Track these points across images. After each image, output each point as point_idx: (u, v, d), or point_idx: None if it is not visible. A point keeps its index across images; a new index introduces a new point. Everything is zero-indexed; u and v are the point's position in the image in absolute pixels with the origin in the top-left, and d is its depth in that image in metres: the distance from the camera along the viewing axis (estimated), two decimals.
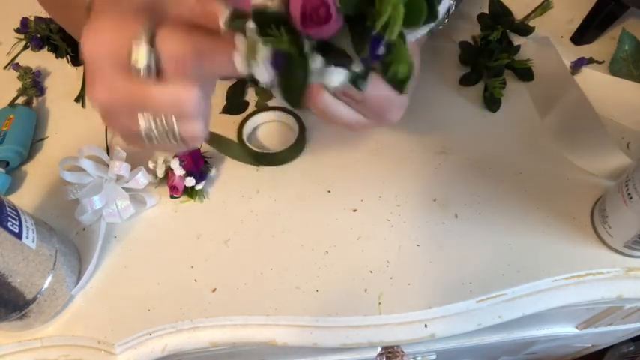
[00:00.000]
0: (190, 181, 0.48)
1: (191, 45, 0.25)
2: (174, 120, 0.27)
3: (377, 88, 0.29)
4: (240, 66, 0.24)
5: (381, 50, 0.24)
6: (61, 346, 0.44)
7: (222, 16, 0.24)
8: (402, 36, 0.23)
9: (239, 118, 0.54)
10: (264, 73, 0.24)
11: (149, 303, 0.45)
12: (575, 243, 0.45)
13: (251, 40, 0.24)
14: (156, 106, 0.26)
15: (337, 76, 0.25)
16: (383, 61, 0.24)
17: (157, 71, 0.25)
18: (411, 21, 0.22)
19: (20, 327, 0.43)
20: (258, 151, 0.51)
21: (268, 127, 0.54)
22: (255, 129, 0.54)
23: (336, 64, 0.24)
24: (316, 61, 0.24)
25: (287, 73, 0.24)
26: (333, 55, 0.24)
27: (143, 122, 0.27)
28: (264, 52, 0.23)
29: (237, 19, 0.24)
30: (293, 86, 0.25)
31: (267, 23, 0.23)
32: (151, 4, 0.27)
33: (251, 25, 0.23)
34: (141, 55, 0.25)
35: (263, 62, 0.24)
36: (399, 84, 0.25)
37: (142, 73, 0.25)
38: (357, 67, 0.25)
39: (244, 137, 0.52)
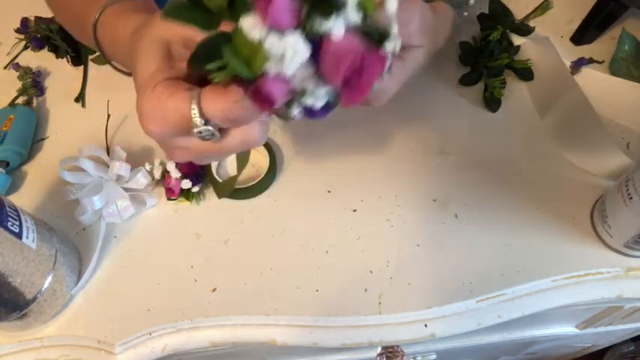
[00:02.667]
0: (187, 184, 0.48)
1: (232, 99, 0.27)
2: None
3: None
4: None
5: None
6: (61, 346, 0.44)
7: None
8: None
9: None
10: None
11: (149, 303, 0.45)
12: (575, 243, 0.45)
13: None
14: (229, 151, 0.31)
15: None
16: None
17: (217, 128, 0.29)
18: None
19: (20, 327, 0.43)
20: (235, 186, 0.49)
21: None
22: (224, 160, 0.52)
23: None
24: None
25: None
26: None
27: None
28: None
29: None
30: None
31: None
32: (169, 65, 0.31)
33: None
34: (200, 126, 0.28)
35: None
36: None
37: (207, 138, 0.29)
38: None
39: (214, 171, 0.50)
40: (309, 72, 0.25)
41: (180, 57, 0.32)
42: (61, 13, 0.49)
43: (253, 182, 0.49)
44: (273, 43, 0.23)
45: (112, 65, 0.45)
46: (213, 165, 0.50)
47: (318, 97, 0.26)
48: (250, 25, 0.23)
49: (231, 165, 0.51)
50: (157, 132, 0.30)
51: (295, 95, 0.26)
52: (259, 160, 0.51)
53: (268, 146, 0.51)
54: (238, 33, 0.24)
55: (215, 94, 0.28)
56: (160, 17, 0.32)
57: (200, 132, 0.29)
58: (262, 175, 0.49)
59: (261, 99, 0.25)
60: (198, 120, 0.28)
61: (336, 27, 0.23)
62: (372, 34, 0.25)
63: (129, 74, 0.43)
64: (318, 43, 0.24)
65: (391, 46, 0.26)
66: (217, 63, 0.25)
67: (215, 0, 0.25)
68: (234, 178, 0.47)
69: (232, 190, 0.48)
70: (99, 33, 0.40)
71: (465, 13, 0.50)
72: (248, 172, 0.50)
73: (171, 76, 0.30)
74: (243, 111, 0.27)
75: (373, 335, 0.43)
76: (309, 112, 0.27)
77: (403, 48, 0.35)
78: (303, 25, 0.23)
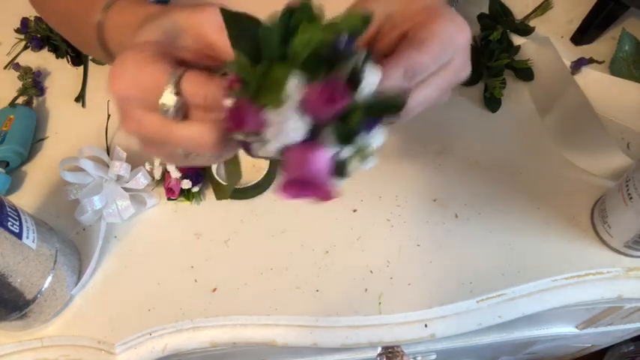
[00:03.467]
0: (187, 184, 0.48)
1: (215, 85, 0.26)
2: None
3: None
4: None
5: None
6: (61, 346, 0.44)
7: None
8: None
9: None
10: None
11: (149, 303, 0.45)
12: (575, 243, 0.45)
13: None
14: (179, 142, 0.29)
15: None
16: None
17: (183, 114, 0.28)
18: None
19: (20, 327, 0.43)
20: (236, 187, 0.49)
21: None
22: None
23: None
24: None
25: None
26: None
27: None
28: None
29: None
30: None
31: None
32: (168, 42, 0.30)
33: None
34: (169, 100, 0.27)
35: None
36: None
37: (169, 115, 0.28)
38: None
39: (214, 171, 0.50)
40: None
41: (186, 48, 0.30)
42: (52, 17, 0.48)
43: (253, 183, 0.49)
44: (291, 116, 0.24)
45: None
46: (214, 166, 0.50)
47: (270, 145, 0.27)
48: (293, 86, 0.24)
49: None
50: (122, 92, 0.28)
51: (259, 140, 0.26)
52: (259, 160, 0.51)
53: None
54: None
55: (202, 76, 0.27)
56: (184, 5, 0.30)
57: (166, 105, 0.27)
58: (261, 177, 0.49)
59: (235, 119, 0.25)
60: (170, 88, 0.27)
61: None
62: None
63: None
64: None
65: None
66: (242, 59, 0.25)
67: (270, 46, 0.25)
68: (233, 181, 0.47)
69: (232, 191, 0.49)
70: (106, 33, 0.38)
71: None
72: (248, 172, 0.50)
73: (165, 51, 0.29)
74: (215, 100, 0.26)
75: (373, 335, 0.43)
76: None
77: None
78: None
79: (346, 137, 0.25)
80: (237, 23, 0.26)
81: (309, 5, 0.25)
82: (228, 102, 0.26)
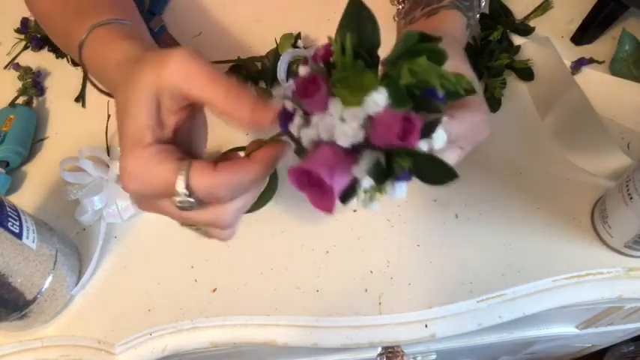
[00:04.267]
0: None
1: (220, 180, 0.28)
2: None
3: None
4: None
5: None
6: (61, 346, 0.44)
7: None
8: None
9: None
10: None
11: (149, 303, 0.45)
12: (575, 243, 0.45)
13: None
14: (196, 223, 0.32)
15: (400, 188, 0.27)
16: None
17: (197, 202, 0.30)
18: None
19: (20, 327, 0.43)
20: None
21: None
22: None
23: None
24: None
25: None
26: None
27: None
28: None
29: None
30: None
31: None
32: (157, 120, 0.31)
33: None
34: (184, 200, 0.29)
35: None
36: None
37: (186, 209, 0.30)
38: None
39: None
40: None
41: (168, 110, 0.31)
42: (47, 24, 0.48)
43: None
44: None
45: (91, 83, 0.43)
46: None
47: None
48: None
49: None
50: (136, 191, 0.30)
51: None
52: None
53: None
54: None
55: (206, 168, 0.29)
56: (150, 61, 0.31)
57: (180, 202, 0.29)
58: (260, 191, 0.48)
59: (304, 88, 0.25)
60: (182, 191, 0.29)
61: None
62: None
63: (106, 93, 0.42)
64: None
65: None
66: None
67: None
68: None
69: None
70: (84, 54, 0.39)
71: (478, 16, 0.50)
72: None
73: (161, 138, 0.30)
74: (228, 191, 0.29)
75: (373, 335, 0.43)
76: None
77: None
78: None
79: (381, 174, 0.25)
80: (358, 13, 0.26)
81: (443, 51, 0.25)
82: (303, 70, 0.26)
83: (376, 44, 0.26)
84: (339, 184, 0.25)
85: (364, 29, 0.26)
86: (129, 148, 0.30)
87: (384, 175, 0.25)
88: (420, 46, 0.25)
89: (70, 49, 0.41)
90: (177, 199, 0.29)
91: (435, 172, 0.26)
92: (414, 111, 0.24)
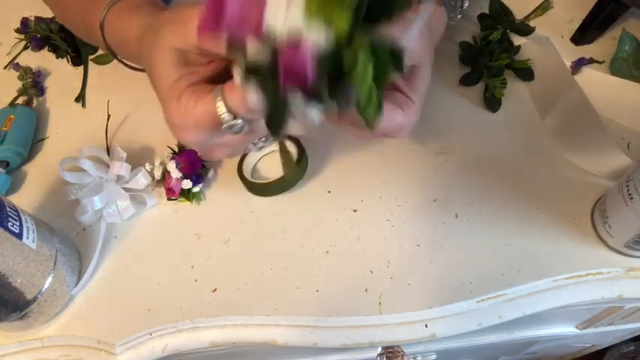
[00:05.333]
0: (187, 184, 0.48)
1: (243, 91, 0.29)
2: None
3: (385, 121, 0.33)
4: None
5: (351, 97, 0.28)
6: (61, 346, 0.44)
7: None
8: (371, 88, 0.28)
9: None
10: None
11: (149, 303, 0.45)
12: (575, 243, 0.45)
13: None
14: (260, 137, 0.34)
15: (315, 113, 0.28)
16: (354, 104, 0.28)
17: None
18: (380, 77, 0.28)
19: (20, 327, 0.43)
20: (264, 182, 0.49)
21: (268, 159, 0.52)
22: (256, 164, 0.52)
23: (314, 104, 0.28)
24: (297, 102, 0.28)
25: (269, 111, 0.28)
26: (312, 98, 0.27)
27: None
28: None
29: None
30: (274, 120, 0.29)
31: (258, 72, 0.27)
32: (186, 70, 0.32)
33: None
34: (230, 122, 0.30)
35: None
36: (368, 123, 0.29)
37: (240, 130, 0.31)
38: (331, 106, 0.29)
39: (246, 173, 0.50)
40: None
41: (198, 62, 0.32)
42: (61, 12, 0.49)
43: (275, 179, 0.48)
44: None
45: (119, 60, 0.44)
46: (246, 166, 0.50)
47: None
48: None
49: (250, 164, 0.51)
50: (194, 140, 0.32)
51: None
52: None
53: (297, 142, 0.49)
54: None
55: (235, 87, 0.29)
56: (168, 23, 0.32)
57: (230, 126, 0.30)
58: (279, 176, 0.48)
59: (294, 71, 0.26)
60: (226, 115, 0.30)
61: None
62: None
63: (138, 69, 0.43)
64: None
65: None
66: None
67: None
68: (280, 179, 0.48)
69: (261, 188, 0.49)
70: (106, 34, 0.40)
71: (459, 16, 0.50)
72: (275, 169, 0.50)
73: (193, 81, 0.31)
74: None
75: (373, 335, 0.43)
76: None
77: (411, 73, 0.36)
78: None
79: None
80: None
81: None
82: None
83: None
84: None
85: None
86: (168, 105, 0.31)
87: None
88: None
89: (91, 35, 0.42)
90: (226, 124, 0.30)
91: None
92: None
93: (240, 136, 0.32)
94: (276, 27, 0.26)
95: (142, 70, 0.40)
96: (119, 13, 0.39)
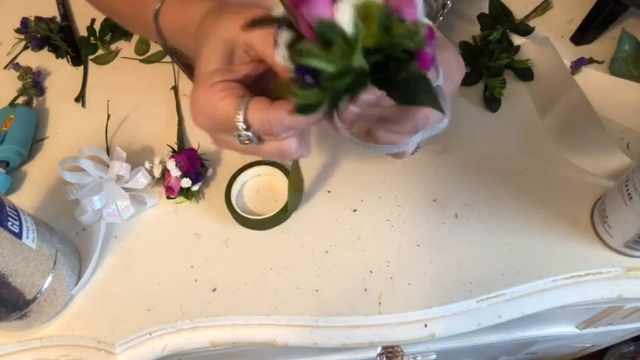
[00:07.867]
0: (186, 182, 0.48)
1: (273, 116, 0.30)
2: None
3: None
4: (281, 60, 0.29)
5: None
6: (61, 346, 0.44)
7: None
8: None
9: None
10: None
11: (149, 303, 0.45)
12: (575, 243, 0.45)
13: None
14: (264, 156, 0.34)
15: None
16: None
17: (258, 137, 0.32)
18: None
19: (20, 327, 0.43)
20: (250, 217, 0.47)
21: (255, 183, 0.51)
22: (242, 187, 0.50)
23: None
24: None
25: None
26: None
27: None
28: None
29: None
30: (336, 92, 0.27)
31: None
32: (227, 65, 0.34)
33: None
34: (242, 132, 0.32)
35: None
36: None
37: (247, 143, 0.32)
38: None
39: (233, 200, 0.48)
40: None
41: (241, 60, 0.34)
42: (103, 5, 0.49)
43: (271, 214, 0.47)
44: None
45: (168, 53, 0.45)
46: (233, 199, 0.48)
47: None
48: None
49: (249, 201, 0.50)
50: (203, 125, 0.33)
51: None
52: (280, 194, 0.49)
53: (295, 178, 0.46)
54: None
55: (261, 105, 0.30)
56: (232, 12, 0.34)
57: (240, 136, 0.32)
58: (278, 209, 0.47)
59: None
60: (240, 125, 0.31)
61: None
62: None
63: (185, 64, 0.44)
64: None
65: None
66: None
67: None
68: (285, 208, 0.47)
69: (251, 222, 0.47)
70: (162, 22, 0.41)
71: (441, 18, 0.50)
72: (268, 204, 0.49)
73: (228, 79, 0.33)
74: (280, 128, 0.30)
75: (373, 335, 0.43)
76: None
77: None
78: None
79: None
80: None
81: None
82: None
83: None
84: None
85: None
86: (199, 86, 0.33)
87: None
88: None
89: (137, 22, 0.44)
90: (237, 132, 0.31)
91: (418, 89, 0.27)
92: None
93: (245, 147, 0.33)
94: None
95: (188, 67, 0.41)
96: (180, 1, 0.40)
